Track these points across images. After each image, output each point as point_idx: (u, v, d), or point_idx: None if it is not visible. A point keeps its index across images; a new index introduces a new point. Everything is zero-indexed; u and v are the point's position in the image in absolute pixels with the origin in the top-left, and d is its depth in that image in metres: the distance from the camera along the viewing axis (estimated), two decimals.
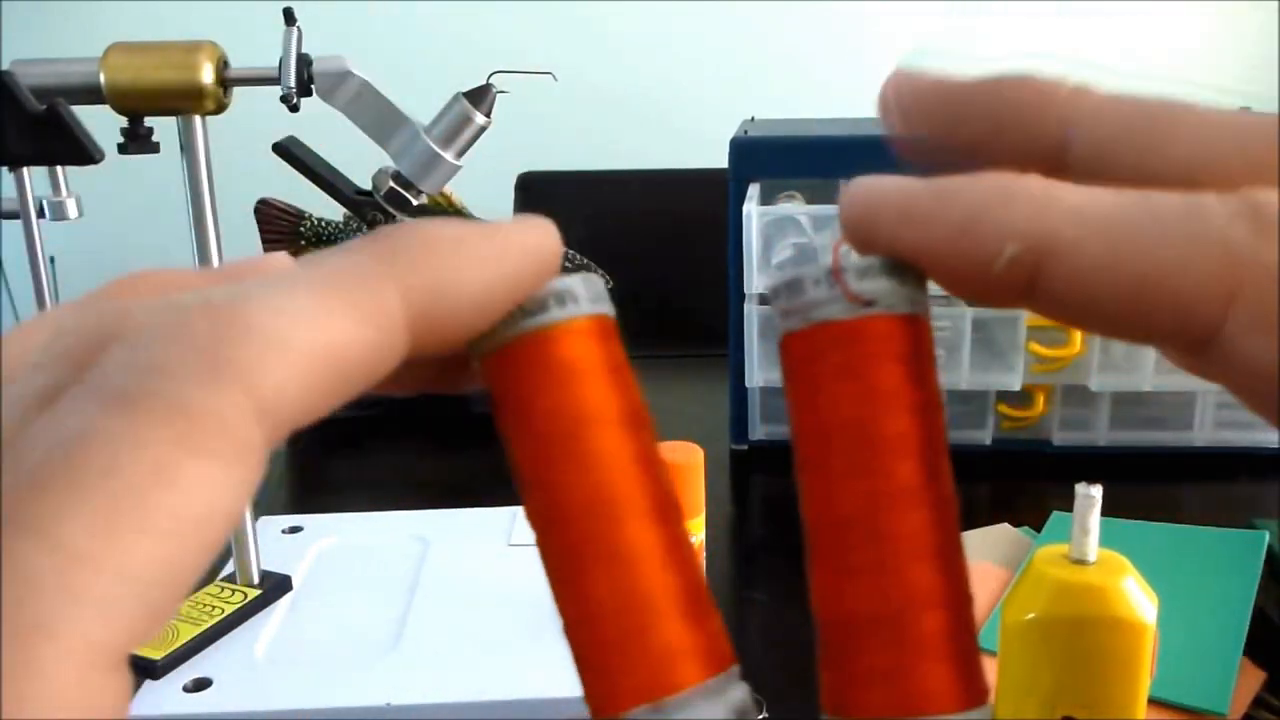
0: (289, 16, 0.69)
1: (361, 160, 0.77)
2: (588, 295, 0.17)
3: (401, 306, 0.15)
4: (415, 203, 0.74)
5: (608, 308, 0.17)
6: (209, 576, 0.76)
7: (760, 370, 0.97)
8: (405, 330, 0.15)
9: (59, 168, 0.68)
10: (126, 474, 0.12)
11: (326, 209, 0.93)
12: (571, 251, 1.01)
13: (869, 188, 0.17)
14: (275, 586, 0.71)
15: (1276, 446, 0.95)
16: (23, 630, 0.11)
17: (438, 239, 0.15)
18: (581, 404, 0.16)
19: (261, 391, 0.13)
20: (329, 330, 0.14)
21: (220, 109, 0.69)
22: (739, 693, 0.16)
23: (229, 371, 0.13)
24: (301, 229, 1.01)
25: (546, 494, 0.16)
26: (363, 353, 0.14)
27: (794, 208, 0.98)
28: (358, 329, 0.14)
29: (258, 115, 0.83)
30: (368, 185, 0.76)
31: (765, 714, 0.64)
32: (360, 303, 0.14)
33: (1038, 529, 0.81)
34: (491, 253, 0.16)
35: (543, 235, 0.17)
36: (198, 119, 0.68)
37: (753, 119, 1.17)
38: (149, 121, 0.68)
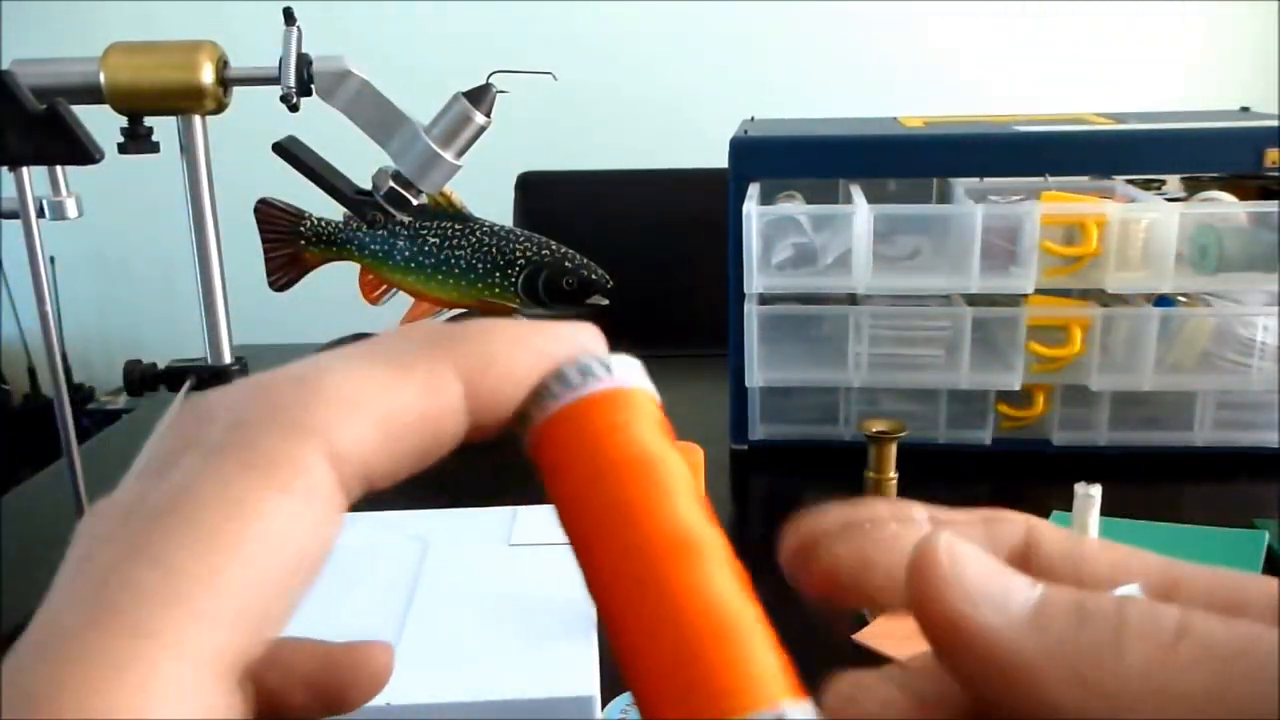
0: (289, 16, 0.69)
1: (361, 160, 0.77)
2: (621, 371, 0.18)
3: (457, 382, 0.17)
4: (415, 202, 0.74)
5: (642, 381, 0.19)
6: None
7: (760, 370, 0.97)
8: (462, 401, 0.17)
9: (59, 168, 0.68)
10: (219, 508, 0.15)
11: (326, 209, 0.93)
12: (571, 251, 1.01)
13: None
14: None
15: (1276, 446, 0.95)
16: (131, 634, 0.13)
17: (491, 328, 0.18)
18: (615, 469, 0.17)
19: (334, 443, 0.16)
20: (390, 394, 0.16)
21: (220, 109, 0.69)
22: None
23: (304, 425, 0.16)
24: (301, 229, 1.01)
25: (591, 546, 0.17)
26: (422, 415, 0.17)
27: (794, 208, 0.98)
28: (416, 395, 0.17)
29: (258, 115, 0.83)
30: (368, 185, 0.76)
31: None
32: (419, 374, 0.17)
33: None
34: (541, 340, 0.18)
35: (591, 333, 0.19)
36: (198, 119, 0.69)
37: (753, 119, 1.17)
38: (149, 121, 0.68)
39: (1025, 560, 0.19)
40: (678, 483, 0.17)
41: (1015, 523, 0.19)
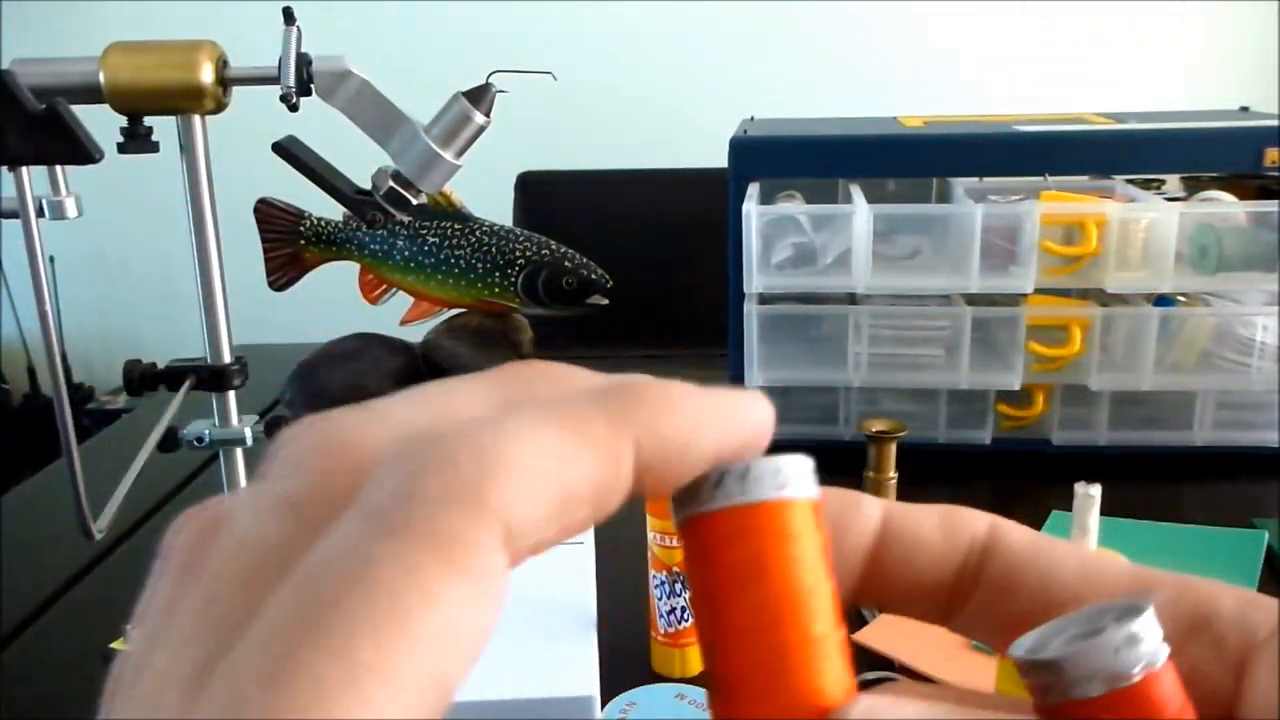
0: (288, 16, 0.69)
1: (361, 160, 0.77)
2: (800, 478, 0.18)
3: (631, 454, 0.16)
4: (415, 202, 0.74)
5: (809, 489, 0.18)
6: None
7: (760, 370, 0.97)
8: (631, 475, 0.16)
9: (59, 168, 0.68)
10: (402, 595, 0.14)
11: (326, 209, 0.93)
12: (571, 251, 1.01)
13: None
14: None
15: (1276, 446, 0.95)
16: None
17: (669, 396, 0.17)
18: (772, 582, 0.17)
19: (511, 522, 0.15)
20: (570, 466, 0.16)
21: (220, 109, 0.69)
22: None
23: (487, 504, 0.15)
24: (301, 229, 1.01)
25: (721, 650, 0.17)
26: (596, 488, 0.16)
27: (794, 207, 0.98)
28: (593, 467, 0.16)
29: (258, 115, 0.83)
30: (368, 185, 0.76)
31: None
32: (597, 442, 0.16)
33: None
34: (718, 415, 0.17)
35: (764, 409, 0.18)
36: (197, 119, 0.68)
37: (752, 119, 1.17)
38: (149, 121, 0.68)
39: (985, 561, 0.18)
40: (825, 625, 0.17)
41: (976, 520, 0.19)
